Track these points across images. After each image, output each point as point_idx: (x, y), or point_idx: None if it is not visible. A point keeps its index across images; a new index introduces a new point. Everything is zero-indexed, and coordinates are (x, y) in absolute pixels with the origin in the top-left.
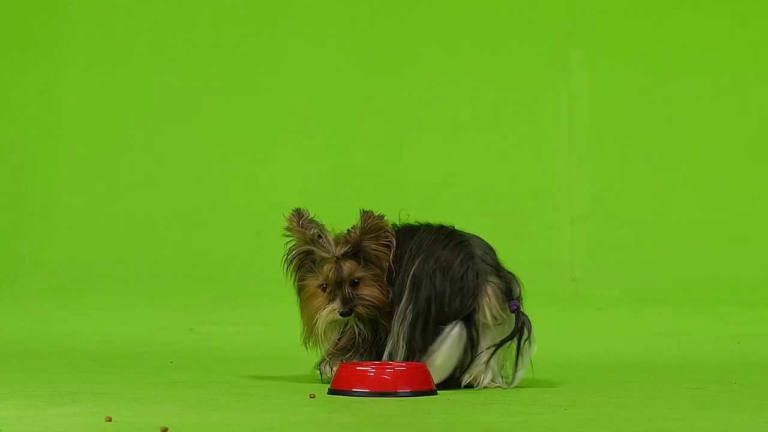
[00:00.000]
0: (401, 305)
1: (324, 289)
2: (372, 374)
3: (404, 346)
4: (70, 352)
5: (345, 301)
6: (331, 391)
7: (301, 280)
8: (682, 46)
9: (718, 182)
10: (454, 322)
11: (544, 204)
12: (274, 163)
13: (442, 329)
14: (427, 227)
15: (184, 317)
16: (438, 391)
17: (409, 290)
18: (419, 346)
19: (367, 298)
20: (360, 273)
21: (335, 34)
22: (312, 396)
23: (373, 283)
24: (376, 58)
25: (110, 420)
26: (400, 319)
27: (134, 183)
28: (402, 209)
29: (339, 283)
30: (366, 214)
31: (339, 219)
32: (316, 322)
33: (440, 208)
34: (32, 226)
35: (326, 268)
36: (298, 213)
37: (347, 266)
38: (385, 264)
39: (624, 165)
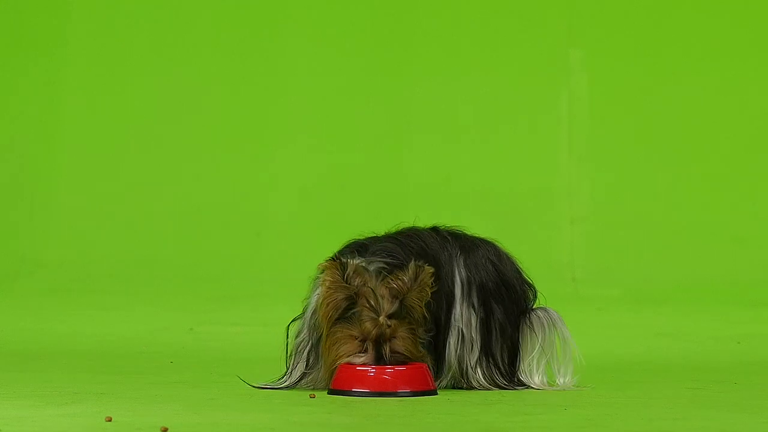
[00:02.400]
0: (462, 309)
1: (357, 339)
2: (372, 374)
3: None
4: (70, 352)
5: (379, 359)
6: (331, 391)
7: (333, 325)
8: (682, 46)
9: (718, 182)
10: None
11: (544, 204)
12: (274, 163)
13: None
14: (432, 231)
15: (184, 317)
16: (438, 391)
17: (467, 294)
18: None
19: (400, 352)
20: (400, 330)
21: (335, 34)
22: (312, 396)
23: (409, 336)
24: (376, 58)
25: (110, 420)
26: (468, 325)
27: (134, 183)
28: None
29: (378, 341)
30: (422, 270)
31: (339, 219)
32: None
33: (440, 208)
34: (32, 226)
35: (369, 325)
36: (341, 265)
37: (391, 328)
38: (423, 314)
39: (624, 165)
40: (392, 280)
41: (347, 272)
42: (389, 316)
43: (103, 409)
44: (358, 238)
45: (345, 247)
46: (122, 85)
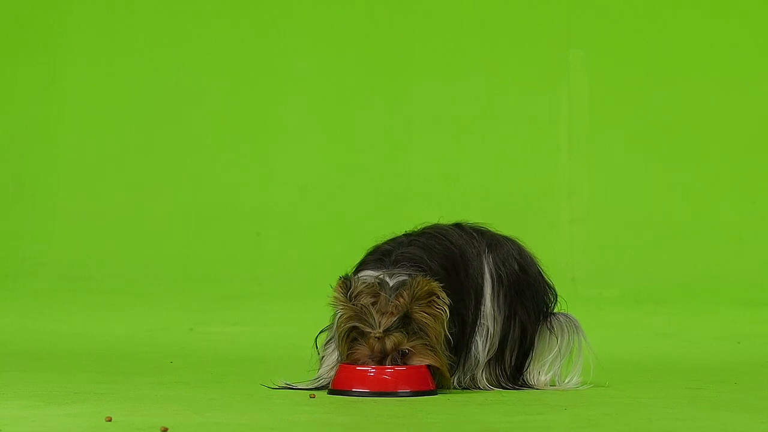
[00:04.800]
0: (493, 307)
1: (373, 359)
2: (372, 374)
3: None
4: (70, 352)
5: None
6: (331, 391)
7: (350, 349)
8: (682, 46)
9: (718, 182)
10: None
11: (544, 204)
12: (275, 163)
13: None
14: (457, 228)
15: (184, 317)
16: (438, 391)
17: (496, 292)
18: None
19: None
20: (408, 344)
21: (336, 34)
22: (312, 396)
23: (426, 351)
24: (377, 58)
25: (110, 420)
26: (494, 323)
27: (134, 183)
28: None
29: (384, 357)
30: (415, 281)
31: (339, 219)
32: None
33: (440, 208)
34: (32, 226)
35: (371, 342)
36: (346, 284)
37: (391, 341)
38: (439, 331)
39: (624, 165)
40: (397, 296)
41: (351, 291)
42: (387, 331)
43: (103, 409)
44: (379, 242)
45: (368, 255)
46: (122, 85)
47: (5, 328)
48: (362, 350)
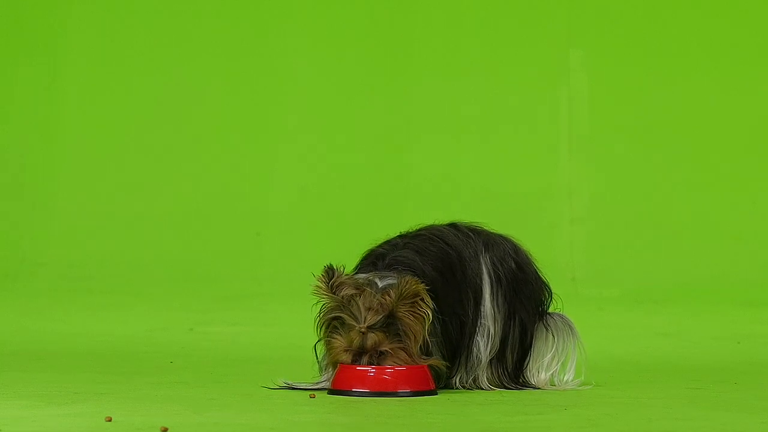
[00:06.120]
0: (494, 307)
1: (349, 351)
2: (372, 374)
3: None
4: (70, 352)
5: None
6: (331, 391)
7: (328, 336)
8: (682, 46)
9: (718, 182)
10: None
11: (544, 204)
12: (274, 163)
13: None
14: (452, 228)
15: (184, 317)
16: (438, 391)
17: (495, 292)
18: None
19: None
20: (387, 345)
21: (335, 34)
22: (312, 396)
23: (402, 355)
24: (377, 58)
25: (110, 420)
26: (494, 323)
27: (134, 183)
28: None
29: (362, 352)
30: (404, 280)
31: (339, 219)
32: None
33: (440, 208)
34: (32, 226)
35: (352, 334)
36: (329, 273)
37: (372, 338)
38: (420, 332)
39: (624, 165)
40: (383, 295)
41: (333, 281)
42: (370, 327)
43: (103, 409)
44: (374, 245)
45: (363, 260)
46: (122, 86)
47: (5, 328)
48: (341, 340)
